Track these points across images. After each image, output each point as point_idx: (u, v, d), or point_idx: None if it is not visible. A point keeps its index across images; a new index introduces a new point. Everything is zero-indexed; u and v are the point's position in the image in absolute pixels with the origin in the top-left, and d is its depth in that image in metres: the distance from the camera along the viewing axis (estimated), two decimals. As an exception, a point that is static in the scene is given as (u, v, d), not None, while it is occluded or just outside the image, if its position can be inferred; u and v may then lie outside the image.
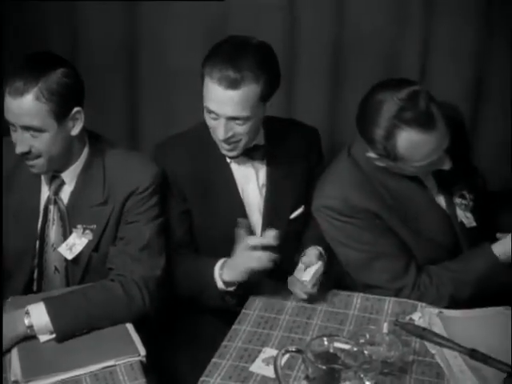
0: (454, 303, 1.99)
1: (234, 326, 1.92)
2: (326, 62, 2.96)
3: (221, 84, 1.95)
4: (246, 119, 2.02)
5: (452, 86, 2.86)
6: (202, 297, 2.09)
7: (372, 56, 2.91)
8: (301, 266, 2.05)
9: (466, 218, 2.12)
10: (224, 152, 2.13)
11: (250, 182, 2.22)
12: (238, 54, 1.97)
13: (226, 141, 2.05)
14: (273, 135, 2.18)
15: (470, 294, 2.00)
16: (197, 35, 2.92)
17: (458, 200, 2.12)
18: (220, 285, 2.03)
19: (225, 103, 1.98)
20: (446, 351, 1.75)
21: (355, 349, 1.52)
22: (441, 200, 2.12)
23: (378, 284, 2.05)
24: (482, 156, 2.82)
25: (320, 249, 2.13)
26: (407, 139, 1.86)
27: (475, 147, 2.87)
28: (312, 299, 2.01)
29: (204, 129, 2.15)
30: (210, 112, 2.02)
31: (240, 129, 2.04)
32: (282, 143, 2.22)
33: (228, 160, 2.18)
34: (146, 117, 3.17)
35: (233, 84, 1.95)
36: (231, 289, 2.03)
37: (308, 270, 2.02)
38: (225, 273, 2.01)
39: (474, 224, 2.12)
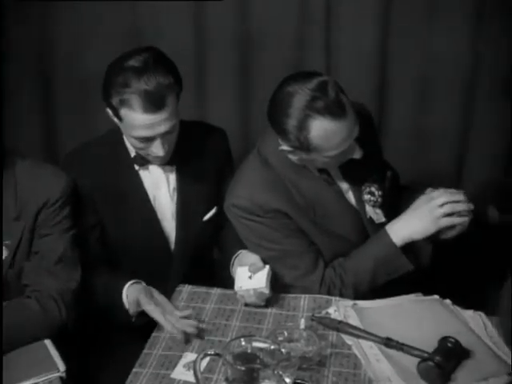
0: (359, 292, 2.04)
1: (153, 334, 1.91)
2: (235, 60, 2.99)
3: (146, 110, 1.93)
4: (175, 126, 2.04)
5: (357, 82, 2.94)
6: (110, 314, 2.07)
7: (280, 53, 2.95)
8: (247, 274, 2.00)
9: (375, 214, 2.17)
10: (155, 162, 2.14)
11: (161, 187, 2.21)
12: (147, 74, 1.94)
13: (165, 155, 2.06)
14: (181, 138, 2.18)
15: (370, 281, 2.05)
16: (111, 37, 2.91)
17: (366, 197, 2.16)
18: (127, 306, 2.02)
19: (156, 125, 1.97)
20: (362, 342, 1.79)
21: (273, 347, 1.54)
22: (350, 197, 2.16)
23: (288, 281, 2.07)
24: (391, 150, 2.91)
25: None
26: (320, 128, 1.88)
27: (384, 143, 2.95)
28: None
29: (112, 137, 2.13)
30: (141, 138, 2.00)
31: (173, 137, 2.06)
32: (190, 146, 2.23)
33: (136, 167, 2.16)
34: (62, 123, 3.12)
35: (159, 105, 1.94)
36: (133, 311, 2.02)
37: (258, 276, 1.98)
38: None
39: (383, 220, 2.17)
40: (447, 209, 1.98)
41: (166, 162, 2.16)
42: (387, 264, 2.05)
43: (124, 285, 2.03)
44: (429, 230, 2.01)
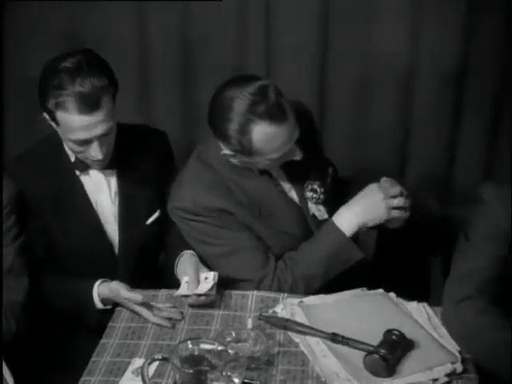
0: (310, 286, 2.06)
1: (101, 341, 1.89)
2: (177, 60, 2.98)
3: (82, 112, 1.91)
4: (112, 128, 2.02)
5: (298, 81, 2.96)
6: (79, 316, 2.07)
7: (220, 54, 2.95)
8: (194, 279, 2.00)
9: (318, 210, 2.19)
10: (95, 166, 2.12)
11: (102, 191, 2.20)
12: (82, 76, 1.92)
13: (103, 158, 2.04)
14: (121, 142, 2.16)
15: (322, 273, 2.06)
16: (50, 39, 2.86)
17: (309, 194, 2.18)
18: (99, 305, 2.04)
19: (92, 126, 1.95)
20: (309, 338, 1.81)
21: (220, 348, 1.55)
22: (293, 195, 2.18)
23: (240, 276, 2.08)
24: (333, 149, 2.94)
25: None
26: (261, 132, 1.90)
27: (326, 141, 2.98)
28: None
29: (51, 142, 2.11)
30: (79, 141, 1.98)
31: (110, 139, 2.04)
32: (131, 149, 2.22)
33: (77, 173, 2.15)
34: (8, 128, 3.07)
35: (94, 106, 1.92)
36: (109, 306, 2.04)
37: (204, 280, 1.99)
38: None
39: (326, 216, 2.19)
40: (399, 201, 2.03)
41: (107, 166, 2.14)
42: (338, 254, 2.07)
43: (93, 284, 2.04)
44: (381, 217, 2.05)
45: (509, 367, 1.66)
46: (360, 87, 2.97)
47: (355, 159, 3.01)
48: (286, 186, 2.17)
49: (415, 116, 2.93)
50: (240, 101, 1.89)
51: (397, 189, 2.05)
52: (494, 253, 1.86)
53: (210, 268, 2.06)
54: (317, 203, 2.19)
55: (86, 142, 1.99)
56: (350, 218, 2.08)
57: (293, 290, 2.05)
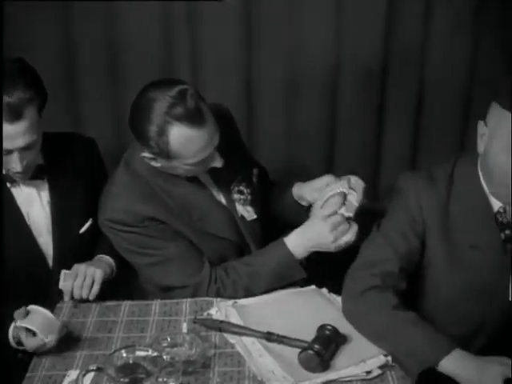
0: (250, 295, 2.06)
1: (35, 357, 1.85)
2: (105, 61, 2.96)
3: (5, 120, 1.88)
4: (35, 142, 1.98)
5: (224, 82, 2.98)
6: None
7: (147, 57, 2.94)
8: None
9: (246, 211, 2.20)
10: (16, 178, 2.07)
11: (34, 203, 2.16)
12: (9, 85, 1.89)
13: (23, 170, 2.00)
14: (50, 152, 2.13)
15: (264, 288, 2.07)
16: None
17: (236, 196, 2.19)
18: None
19: (14, 137, 1.92)
20: (245, 339, 1.82)
21: (154, 354, 1.55)
22: (221, 198, 2.18)
23: (176, 284, 2.08)
24: (262, 149, 2.97)
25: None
26: (179, 135, 1.89)
27: (255, 141, 3.01)
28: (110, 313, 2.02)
29: None
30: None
31: (32, 153, 2.00)
32: (61, 158, 2.19)
33: (8, 185, 2.11)
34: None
35: (16, 116, 1.89)
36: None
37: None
38: None
39: (254, 216, 2.21)
40: (346, 238, 2.05)
41: (37, 177, 2.12)
42: (284, 274, 2.08)
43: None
44: (329, 249, 2.06)
45: (417, 359, 1.69)
46: (286, 87, 3.01)
47: (282, 159, 3.05)
48: (214, 190, 2.17)
49: (340, 115, 2.99)
50: (160, 103, 1.89)
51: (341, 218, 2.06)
52: (402, 243, 1.90)
53: None
54: (244, 204, 2.20)
55: (7, 153, 1.96)
56: (301, 242, 2.08)
57: (231, 297, 2.06)
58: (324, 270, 2.26)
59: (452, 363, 1.66)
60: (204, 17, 2.91)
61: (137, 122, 1.95)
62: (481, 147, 1.85)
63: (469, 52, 2.94)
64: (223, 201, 2.18)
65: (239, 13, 2.91)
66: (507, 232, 1.91)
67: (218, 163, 2.02)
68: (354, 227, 2.05)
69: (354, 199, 2.06)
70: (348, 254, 2.41)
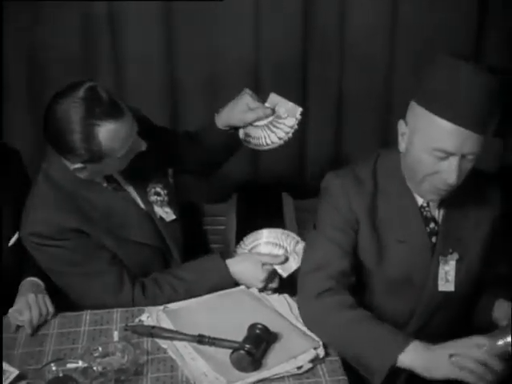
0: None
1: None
2: (25, 73, 2.91)
3: None
4: None
5: (146, 85, 2.97)
6: None
7: (68, 57, 2.91)
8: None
9: (164, 213, 2.21)
10: None
11: None
12: None
13: None
14: None
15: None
16: None
17: (153, 198, 2.19)
18: None
19: None
20: (177, 343, 1.83)
21: (85, 366, 1.54)
22: (139, 201, 2.18)
23: (101, 303, 2.05)
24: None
25: None
26: (107, 132, 1.88)
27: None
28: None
29: None
30: None
31: None
32: None
33: None
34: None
35: None
36: None
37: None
38: None
39: (173, 217, 2.22)
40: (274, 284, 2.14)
41: None
42: (220, 287, 2.10)
43: None
44: (255, 287, 2.12)
45: (371, 357, 1.73)
46: (209, 86, 3.02)
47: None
48: (132, 194, 2.17)
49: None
50: (75, 109, 1.86)
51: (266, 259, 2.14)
52: (344, 240, 1.94)
53: None
54: (162, 205, 2.20)
55: None
56: (234, 274, 2.12)
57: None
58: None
59: (409, 357, 1.70)
60: (125, 16, 2.90)
61: (57, 136, 1.91)
62: (402, 146, 1.90)
63: (386, 49, 3.02)
64: (141, 204, 2.18)
65: (160, 13, 2.91)
66: (431, 226, 1.97)
67: (143, 146, 2.02)
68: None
69: (295, 264, 2.14)
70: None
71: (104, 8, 2.87)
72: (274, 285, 2.13)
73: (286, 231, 2.22)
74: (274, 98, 2.19)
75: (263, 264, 2.11)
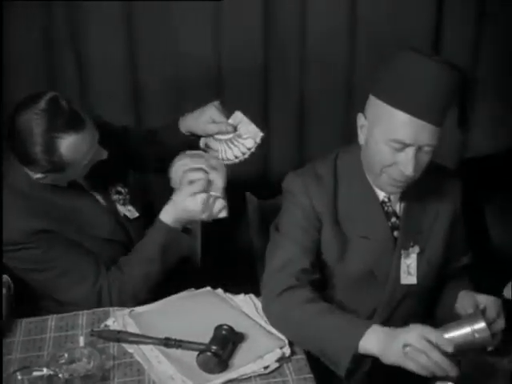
0: (149, 283, 2.11)
1: None
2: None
3: None
4: None
5: (112, 90, 2.96)
6: None
7: (29, 60, 2.89)
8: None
9: (127, 211, 2.22)
10: None
11: None
12: None
13: None
14: None
15: (158, 267, 2.11)
16: None
17: (115, 197, 2.21)
18: None
19: None
20: (143, 347, 1.82)
21: (50, 373, 1.54)
22: (102, 201, 2.18)
23: (79, 296, 2.06)
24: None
25: None
26: (69, 144, 1.88)
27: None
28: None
29: None
30: None
31: None
32: None
33: None
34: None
35: None
36: None
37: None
38: None
39: (136, 214, 2.24)
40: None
41: None
42: (171, 245, 2.12)
43: None
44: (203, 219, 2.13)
45: (334, 347, 1.74)
46: (172, 88, 3.01)
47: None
48: (95, 194, 2.17)
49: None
50: (37, 122, 1.86)
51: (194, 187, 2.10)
52: (306, 238, 1.96)
53: None
54: (124, 204, 2.22)
55: None
56: (174, 217, 2.12)
57: (135, 291, 2.08)
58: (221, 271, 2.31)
59: (368, 341, 1.70)
60: (85, 19, 2.88)
61: (19, 147, 1.91)
62: (361, 139, 1.93)
63: (347, 51, 3.05)
64: (105, 203, 2.19)
65: (120, 12, 2.89)
66: (393, 220, 2.01)
67: (104, 155, 2.03)
68: (221, 201, 2.13)
69: (219, 180, 2.12)
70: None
71: (62, 10, 2.85)
72: (223, 214, 2.13)
73: (197, 152, 2.21)
74: (238, 116, 2.20)
75: (193, 194, 2.09)
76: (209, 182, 2.10)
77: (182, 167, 2.14)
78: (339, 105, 3.09)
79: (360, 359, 1.74)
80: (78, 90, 2.95)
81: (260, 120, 3.02)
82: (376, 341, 1.70)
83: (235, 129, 2.19)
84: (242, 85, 2.97)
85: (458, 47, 3.03)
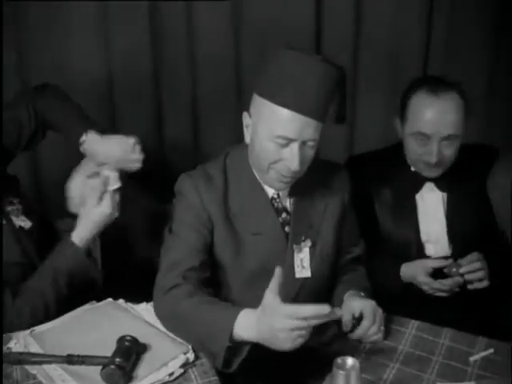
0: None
1: None
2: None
3: None
4: None
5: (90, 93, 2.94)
6: None
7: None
8: None
9: (22, 221, 2.18)
10: None
11: None
12: None
13: None
14: None
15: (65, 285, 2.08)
16: None
17: (9, 208, 2.17)
18: None
19: None
20: (46, 367, 1.79)
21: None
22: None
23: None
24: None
25: None
26: None
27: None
28: None
29: None
30: None
31: None
32: None
33: None
34: None
35: None
36: None
37: None
38: None
39: (30, 224, 2.19)
40: None
41: None
42: (80, 274, 2.11)
43: None
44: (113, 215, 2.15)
45: (210, 338, 1.76)
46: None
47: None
48: None
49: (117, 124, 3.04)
50: None
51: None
52: (197, 238, 2.00)
53: None
54: (18, 215, 2.19)
55: None
56: (83, 235, 2.12)
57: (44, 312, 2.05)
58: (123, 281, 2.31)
59: (242, 327, 1.72)
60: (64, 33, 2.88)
61: None
62: (247, 137, 1.99)
63: (233, 51, 3.09)
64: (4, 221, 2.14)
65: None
66: (283, 216, 2.07)
67: None
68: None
69: (113, 173, 2.15)
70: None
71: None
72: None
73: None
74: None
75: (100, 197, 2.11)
76: (106, 179, 2.13)
77: (80, 179, 2.14)
78: (230, 105, 3.13)
79: (239, 346, 1.76)
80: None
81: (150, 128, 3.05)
82: (252, 327, 1.71)
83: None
84: (131, 93, 2.98)
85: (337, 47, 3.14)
